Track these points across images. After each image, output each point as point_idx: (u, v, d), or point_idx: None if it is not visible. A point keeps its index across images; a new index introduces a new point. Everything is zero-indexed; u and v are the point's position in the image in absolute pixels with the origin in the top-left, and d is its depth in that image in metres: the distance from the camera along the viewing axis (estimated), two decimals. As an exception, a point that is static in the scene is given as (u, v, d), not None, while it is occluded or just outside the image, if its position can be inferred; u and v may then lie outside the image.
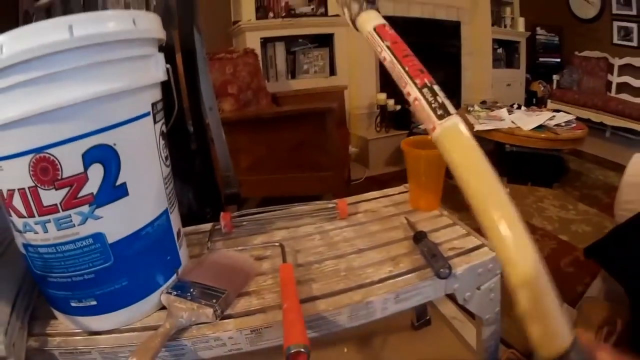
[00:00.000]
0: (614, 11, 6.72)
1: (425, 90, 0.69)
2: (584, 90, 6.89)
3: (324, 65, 5.47)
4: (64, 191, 0.74)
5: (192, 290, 0.91)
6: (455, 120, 0.65)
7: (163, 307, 0.92)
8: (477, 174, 0.60)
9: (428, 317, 2.06)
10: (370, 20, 0.80)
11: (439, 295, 1.05)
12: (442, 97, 0.67)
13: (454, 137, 0.65)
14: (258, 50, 4.57)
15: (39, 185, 0.73)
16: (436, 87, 0.68)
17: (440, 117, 0.65)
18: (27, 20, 1.26)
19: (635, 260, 1.53)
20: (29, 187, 0.73)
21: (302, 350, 0.72)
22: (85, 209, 0.77)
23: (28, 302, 0.92)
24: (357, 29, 0.86)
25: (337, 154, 3.27)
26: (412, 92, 0.70)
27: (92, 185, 0.76)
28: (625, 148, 5.14)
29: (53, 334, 0.88)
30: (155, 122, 0.88)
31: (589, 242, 1.88)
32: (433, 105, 0.67)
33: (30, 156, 0.71)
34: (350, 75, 5.45)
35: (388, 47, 0.75)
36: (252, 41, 4.81)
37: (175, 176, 0.99)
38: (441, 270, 0.98)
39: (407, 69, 0.72)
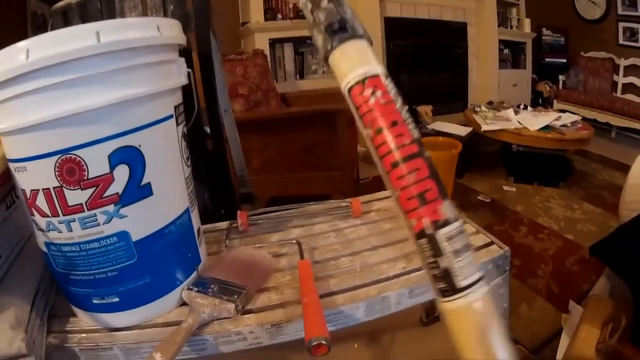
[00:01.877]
0: (620, 12, 6.74)
1: (423, 243, 0.52)
2: (590, 90, 6.92)
3: (333, 66, 5.50)
4: (89, 191, 0.76)
5: (212, 286, 0.93)
6: (468, 300, 0.50)
7: (183, 304, 0.94)
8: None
9: (437, 314, 2.08)
10: (349, 68, 0.58)
11: (451, 289, 1.06)
12: (448, 253, 0.50)
13: (463, 323, 0.51)
14: (267, 52, 4.60)
15: (64, 185, 0.75)
16: (442, 234, 0.51)
17: (444, 294, 0.52)
18: (37, 21, 1.28)
19: (639, 258, 1.55)
20: (54, 187, 0.75)
21: (324, 342, 0.74)
22: (110, 208, 0.79)
23: (47, 301, 0.93)
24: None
25: (347, 154, 3.29)
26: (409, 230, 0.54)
27: (118, 185, 0.78)
28: (630, 148, 5.15)
29: (73, 330, 0.90)
30: (177, 124, 0.90)
31: (594, 241, 1.90)
32: (435, 272, 0.52)
33: (56, 157, 0.73)
34: (358, 76, 5.47)
35: (370, 138, 0.55)
36: (261, 42, 4.84)
37: (193, 176, 1.01)
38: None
39: (398, 195, 0.53)
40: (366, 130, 0.56)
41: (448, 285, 0.50)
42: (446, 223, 0.51)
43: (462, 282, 0.50)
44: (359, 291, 0.98)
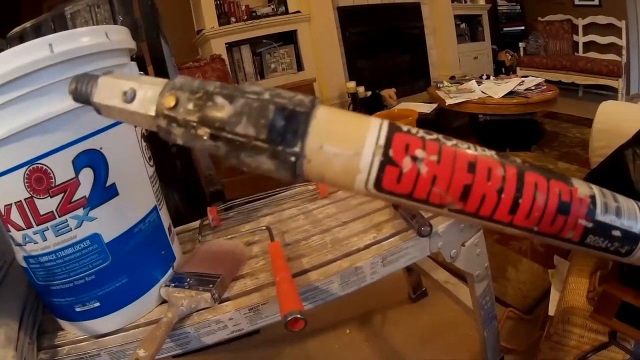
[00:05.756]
0: (573, -26, 6.79)
1: (591, 240, 0.46)
2: (551, 53, 6.96)
3: (291, 61, 5.52)
4: (58, 198, 0.78)
5: (188, 279, 0.95)
6: None
7: (163, 302, 0.96)
8: None
9: (424, 289, 2.11)
10: (351, 158, 0.41)
11: (425, 254, 1.09)
12: (617, 220, 0.45)
13: None
14: (224, 56, 4.60)
15: (34, 195, 0.76)
16: (600, 213, 0.45)
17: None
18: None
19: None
20: (25, 199, 0.77)
21: (299, 316, 0.76)
22: (80, 212, 0.80)
23: (34, 319, 0.95)
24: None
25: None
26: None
27: (85, 188, 0.80)
28: (598, 104, 5.19)
29: (62, 344, 0.91)
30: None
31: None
32: (617, 246, 0.47)
33: (24, 169, 0.75)
34: (318, 68, 5.52)
35: (458, 210, 0.43)
36: (218, 47, 4.83)
37: (160, 180, 1.03)
38: (422, 228, 1.01)
39: (537, 230, 0.44)
40: (441, 208, 0.43)
41: (632, 240, 0.46)
42: (593, 199, 0.45)
43: (638, 228, 0.46)
44: (332, 265, 1.00)
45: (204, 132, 0.43)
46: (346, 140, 0.42)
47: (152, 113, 0.46)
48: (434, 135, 0.42)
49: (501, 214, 0.42)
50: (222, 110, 0.43)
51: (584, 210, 0.44)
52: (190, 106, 0.44)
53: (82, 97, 0.53)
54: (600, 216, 0.44)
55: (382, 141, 0.41)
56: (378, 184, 0.41)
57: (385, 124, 0.42)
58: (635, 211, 0.46)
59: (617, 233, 0.45)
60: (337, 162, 0.41)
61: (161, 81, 0.47)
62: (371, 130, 0.41)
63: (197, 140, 0.44)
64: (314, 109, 0.42)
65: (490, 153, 0.43)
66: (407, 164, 0.40)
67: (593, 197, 0.45)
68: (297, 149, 0.41)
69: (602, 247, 0.45)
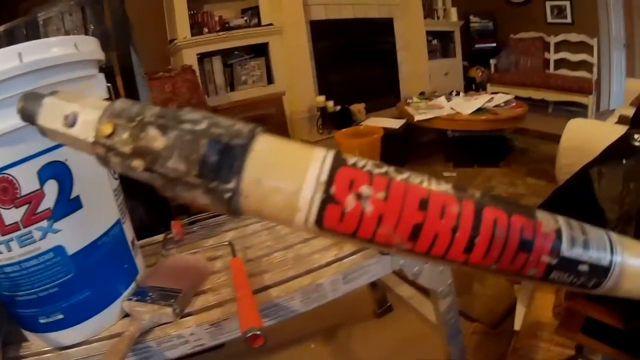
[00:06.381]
0: (547, -9, 6.90)
1: (555, 276, 0.42)
2: (522, 70, 7.06)
3: (262, 74, 5.53)
4: (23, 209, 0.78)
5: (151, 294, 0.96)
6: (622, 266, 0.43)
7: (126, 315, 0.96)
8: None
9: (389, 304, 2.12)
10: (289, 195, 0.39)
11: (387, 271, 1.10)
12: (585, 253, 0.42)
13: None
14: (196, 67, 4.60)
15: (0, 205, 0.77)
16: (566, 248, 0.41)
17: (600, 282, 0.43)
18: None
19: (576, 215, 1.60)
20: (-9, 209, 0.77)
21: (258, 332, 0.77)
22: (44, 223, 0.80)
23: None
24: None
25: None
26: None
27: (49, 200, 0.80)
28: (568, 120, 5.25)
29: (26, 355, 0.91)
30: (100, 137, 0.92)
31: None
32: (583, 281, 0.43)
33: (-11, 179, 0.75)
34: (288, 81, 5.53)
35: (407, 250, 0.40)
36: (189, 58, 4.83)
37: (125, 193, 1.03)
38: (384, 246, 1.03)
39: (496, 268, 0.41)
40: (389, 248, 0.40)
41: (601, 273, 0.42)
42: (559, 233, 0.41)
43: (607, 260, 0.42)
44: (293, 282, 1.01)
45: (138, 164, 0.42)
46: (286, 175, 0.39)
47: (91, 140, 0.45)
48: (383, 169, 0.39)
49: (455, 253, 0.39)
50: (154, 142, 0.41)
51: (548, 246, 0.40)
52: (126, 136, 0.43)
53: (28, 118, 0.52)
54: (566, 251, 0.41)
55: (324, 177, 0.38)
56: (319, 223, 0.39)
57: (330, 156, 0.39)
58: (604, 242, 0.43)
59: (584, 268, 0.42)
60: (275, 198, 0.39)
61: (102, 105, 0.46)
62: (313, 165, 0.39)
63: (134, 172, 0.43)
64: (252, 140, 0.40)
65: (446, 187, 0.40)
66: (350, 202, 0.38)
67: (559, 231, 0.41)
68: (232, 185, 0.39)
69: (567, 282, 0.42)
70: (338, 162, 0.39)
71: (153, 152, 0.41)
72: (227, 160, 0.39)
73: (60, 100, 0.50)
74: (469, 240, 0.39)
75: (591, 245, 0.42)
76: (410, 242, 0.38)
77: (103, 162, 0.45)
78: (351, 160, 0.39)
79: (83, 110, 0.47)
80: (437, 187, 0.39)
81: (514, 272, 0.41)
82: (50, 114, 0.50)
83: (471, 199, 0.39)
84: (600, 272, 0.42)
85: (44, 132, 0.51)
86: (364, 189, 0.38)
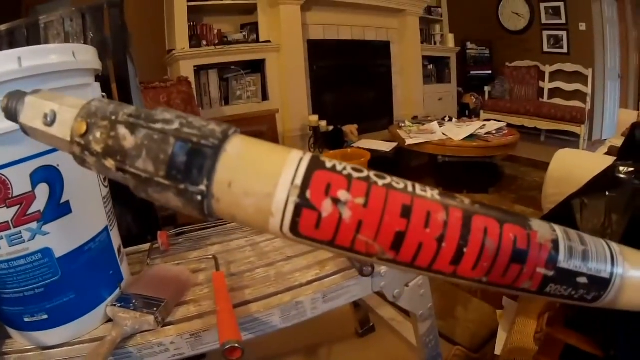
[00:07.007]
0: (544, 21, 7.01)
1: (552, 289, 0.40)
2: (516, 98, 7.15)
3: (257, 90, 5.56)
4: (14, 209, 0.79)
5: (134, 301, 0.97)
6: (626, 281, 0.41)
7: (109, 320, 0.97)
8: None
9: (372, 324, 2.14)
10: (262, 198, 0.37)
11: (367, 293, 1.12)
12: (584, 265, 0.40)
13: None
14: (192, 78, 4.61)
15: (-8, 204, 0.78)
16: (563, 259, 0.39)
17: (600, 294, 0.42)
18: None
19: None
20: (-17, 207, 0.78)
21: (236, 345, 0.78)
22: (34, 225, 0.82)
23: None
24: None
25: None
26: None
27: (40, 202, 0.82)
28: (559, 149, 5.29)
29: (9, 352, 0.91)
30: (93, 145, 0.94)
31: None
32: (582, 294, 0.42)
33: (-16, 177, 0.77)
34: (282, 99, 5.58)
35: (390, 260, 0.38)
36: (186, 69, 4.84)
37: (114, 201, 1.05)
38: (364, 268, 1.06)
39: (487, 280, 0.39)
40: (370, 257, 0.38)
41: (601, 285, 0.41)
42: (556, 243, 0.40)
43: (608, 272, 0.41)
44: (273, 298, 1.03)
45: (110, 163, 0.42)
46: (258, 177, 0.38)
47: (68, 138, 0.45)
48: (364, 173, 0.38)
49: (442, 264, 0.38)
50: (124, 141, 0.41)
51: (544, 257, 0.39)
52: (98, 134, 0.43)
53: (11, 116, 0.53)
54: (563, 263, 0.39)
55: (299, 180, 0.37)
56: (294, 229, 0.37)
57: (307, 159, 0.38)
58: (605, 253, 0.42)
59: (583, 280, 0.40)
60: (248, 202, 0.37)
61: (79, 103, 0.46)
62: (288, 167, 0.37)
63: (108, 172, 0.43)
64: (225, 141, 0.39)
65: (431, 194, 0.38)
66: (327, 207, 0.36)
67: (555, 242, 0.40)
68: (202, 187, 0.38)
69: (564, 296, 0.41)
70: (315, 165, 0.38)
71: (123, 152, 0.41)
72: (196, 161, 0.38)
73: (40, 99, 0.51)
74: (457, 251, 0.37)
75: (590, 256, 0.41)
76: (392, 252, 0.37)
77: (80, 161, 0.45)
78: (329, 163, 0.38)
79: (61, 109, 0.48)
80: (422, 193, 0.38)
81: (507, 285, 0.39)
82: (31, 112, 0.51)
83: (459, 206, 0.38)
84: (601, 284, 0.41)
85: (25, 130, 0.52)
86: (342, 194, 0.36)
